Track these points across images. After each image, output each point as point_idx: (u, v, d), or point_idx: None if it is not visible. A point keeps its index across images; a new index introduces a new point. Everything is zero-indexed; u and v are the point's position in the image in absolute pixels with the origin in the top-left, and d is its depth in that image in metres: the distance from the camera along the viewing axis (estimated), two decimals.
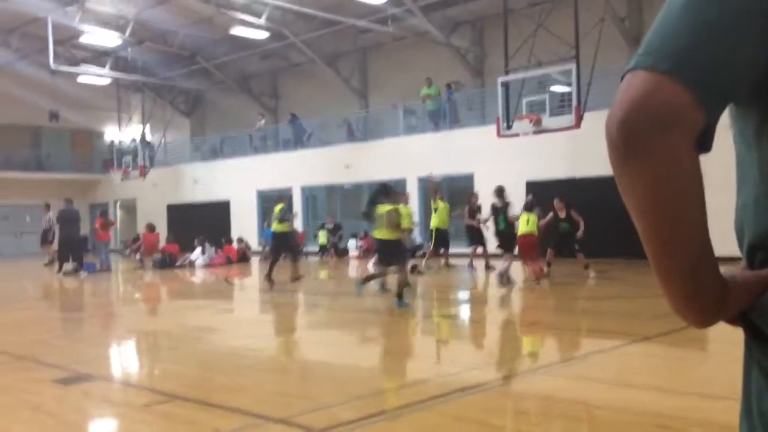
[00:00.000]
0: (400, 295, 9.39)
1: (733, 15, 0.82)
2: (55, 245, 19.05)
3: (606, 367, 5.72)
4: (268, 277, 12.98)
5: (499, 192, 12.32)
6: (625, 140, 0.81)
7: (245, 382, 5.46)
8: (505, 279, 11.78)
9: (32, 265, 21.94)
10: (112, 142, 29.53)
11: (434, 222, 15.34)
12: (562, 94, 16.96)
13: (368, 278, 11.02)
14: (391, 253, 9.70)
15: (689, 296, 0.89)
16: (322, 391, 5.14)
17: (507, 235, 12.11)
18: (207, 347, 7.31)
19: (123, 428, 4.39)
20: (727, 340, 1.49)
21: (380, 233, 9.70)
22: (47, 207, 21.94)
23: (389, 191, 9.94)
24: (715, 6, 0.82)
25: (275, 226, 13.46)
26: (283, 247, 13.52)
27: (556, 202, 12.84)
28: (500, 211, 12.18)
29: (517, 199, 15.93)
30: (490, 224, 12.96)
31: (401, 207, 9.75)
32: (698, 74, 0.80)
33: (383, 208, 9.55)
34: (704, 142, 0.84)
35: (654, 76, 0.80)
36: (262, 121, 28.03)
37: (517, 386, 5.18)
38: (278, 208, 13.39)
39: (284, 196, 16.22)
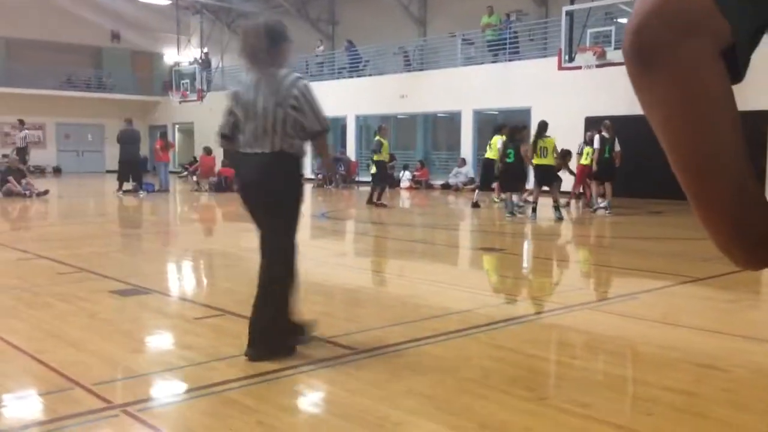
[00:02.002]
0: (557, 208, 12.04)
1: None
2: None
3: (652, 306, 5.67)
4: (371, 201, 14.82)
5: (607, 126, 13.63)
6: (640, 50, 0.72)
7: None
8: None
9: (93, 183, 22.60)
10: (175, 64, 29.72)
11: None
12: None
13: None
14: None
15: (732, 231, 0.79)
16: (367, 315, 5.25)
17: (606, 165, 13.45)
18: (258, 268, 7.48)
19: (174, 338, 4.57)
20: None
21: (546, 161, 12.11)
22: (21, 123, 20.69)
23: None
24: None
25: (376, 157, 14.93)
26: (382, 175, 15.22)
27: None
28: (606, 141, 13.40)
29: (577, 134, 15.55)
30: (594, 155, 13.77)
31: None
32: None
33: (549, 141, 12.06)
34: (732, 66, 0.73)
35: None
36: (321, 47, 27.81)
37: (559, 320, 5.19)
38: (377, 139, 15.04)
39: (383, 126, 16.38)
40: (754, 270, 0.84)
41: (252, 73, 4.00)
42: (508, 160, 12.35)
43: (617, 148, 13.44)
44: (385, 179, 15.68)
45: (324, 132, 4.13)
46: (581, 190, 15.03)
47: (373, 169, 15.31)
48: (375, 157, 15.10)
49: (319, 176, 23.11)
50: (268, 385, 3.50)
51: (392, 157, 23.26)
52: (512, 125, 13.08)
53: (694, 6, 0.71)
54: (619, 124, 16.11)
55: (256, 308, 4.01)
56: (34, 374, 3.70)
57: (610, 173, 13.53)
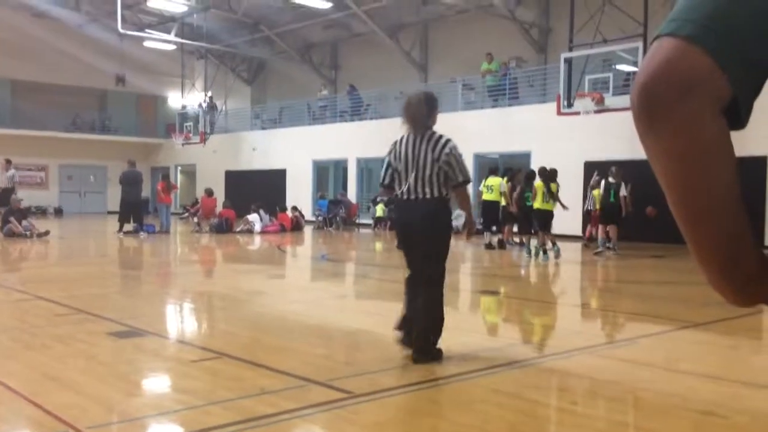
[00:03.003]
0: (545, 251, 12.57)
1: None
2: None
3: (653, 351, 5.64)
4: None
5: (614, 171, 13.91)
6: (645, 107, 0.78)
7: (291, 345, 5.58)
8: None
9: (94, 224, 22.64)
10: (183, 107, 30.02)
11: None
12: (627, 73, 16.53)
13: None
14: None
15: (723, 272, 0.85)
16: (365, 358, 5.22)
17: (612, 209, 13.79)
18: (257, 310, 7.48)
19: (171, 381, 4.54)
20: None
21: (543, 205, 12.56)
22: (8, 163, 18.93)
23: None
24: None
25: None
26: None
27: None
28: (612, 186, 13.68)
29: (574, 178, 15.64)
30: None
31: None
32: (720, 38, 0.76)
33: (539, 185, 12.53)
34: (734, 117, 0.78)
35: (676, 42, 0.76)
36: (324, 92, 28.14)
37: (560, 364, 5.16)
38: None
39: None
40: (744, 306, 0.89)
41: (412, 134, 4.97)
42: (528, 203, 13.02)
43: (623, 193, 13.69)
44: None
45: (465, 183, 5.03)
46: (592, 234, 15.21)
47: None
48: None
49: (320, 218, 23.19)
50: (264, 430, 3.47)
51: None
52: (528, 170, 13.61)
53: (695, 66, 0.75)
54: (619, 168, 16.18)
55: (417, 320, 4.86)
56: (29, 417, 3.67)
57: (614, 217, 13.77)
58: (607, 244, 13.78)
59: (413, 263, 5.00)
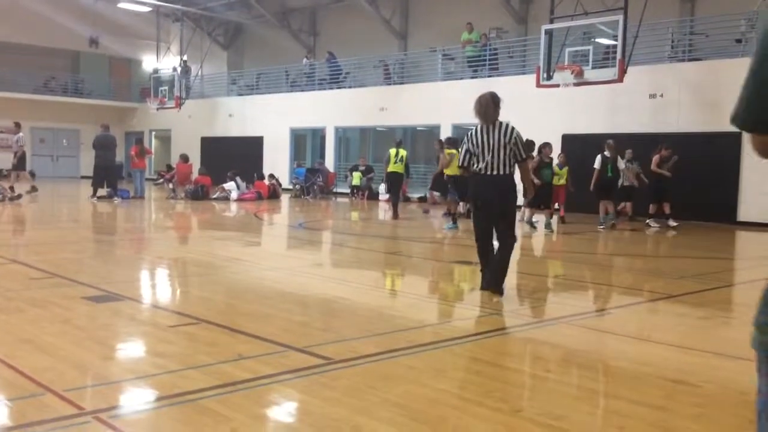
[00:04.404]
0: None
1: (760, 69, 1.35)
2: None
3: (626, 322, 5.74)
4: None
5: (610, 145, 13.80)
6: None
7: (269, 311, 5.59)
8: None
9: (68, 188, 22.31)
10: (154, 71, 29.52)
11: None
12: (607, 47, 16.57)
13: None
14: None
15: None
16: (343, 325, 5.24)
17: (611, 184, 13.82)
18: (234, 277, 7.46)
19: (148, 346, 4.53)
20: (752, 304, 1.50)
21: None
22: (17, 126, 19.03)
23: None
24: (756, 66, 1.37)
25: (393, 168, 15.24)
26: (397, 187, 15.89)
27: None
28: (608, 161, 13.66)
29: (554, 152, 15.74)
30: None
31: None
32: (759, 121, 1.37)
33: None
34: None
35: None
36: (306, 61, 27.77)
37: (535, 334, 5.23)
38: (395, 151, 15.33)
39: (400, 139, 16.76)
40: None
41: (483, 125, 6.35)
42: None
43: (621, 166, 13.73)
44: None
45: (527, 159, 6.77)
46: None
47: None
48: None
49: (297, 187, 23.10)
50: (242, 394, 3.48)
51: (369, 170, 23.33)
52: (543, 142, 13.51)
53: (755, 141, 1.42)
54: (598, 141, 16.28)
55: (498, 264, 6.37)
56: (5, 379, 3.64)
57: (611, 192, 13.80)
58: (604, 220, 13.77)
59: (488, 222, 6.45)
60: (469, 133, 6.47)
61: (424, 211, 17.40)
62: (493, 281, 6.33)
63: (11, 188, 17.50)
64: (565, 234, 13.32)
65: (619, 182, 14.49)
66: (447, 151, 13.60)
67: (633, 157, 14.86)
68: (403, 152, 15.61)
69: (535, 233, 12.72)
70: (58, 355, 4.06)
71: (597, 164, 13.66)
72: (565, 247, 11.89)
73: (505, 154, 6.25)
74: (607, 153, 13.63)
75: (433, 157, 23.07)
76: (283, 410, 3.46)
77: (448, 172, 13.67)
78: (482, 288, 6.46)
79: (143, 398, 3.49)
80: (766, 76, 1.34)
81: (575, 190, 14.61)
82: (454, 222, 13.14)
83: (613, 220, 14.01)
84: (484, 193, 6.39)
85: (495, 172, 6.27)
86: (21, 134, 18.67)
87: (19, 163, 18.38)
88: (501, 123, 6.36)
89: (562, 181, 14.38)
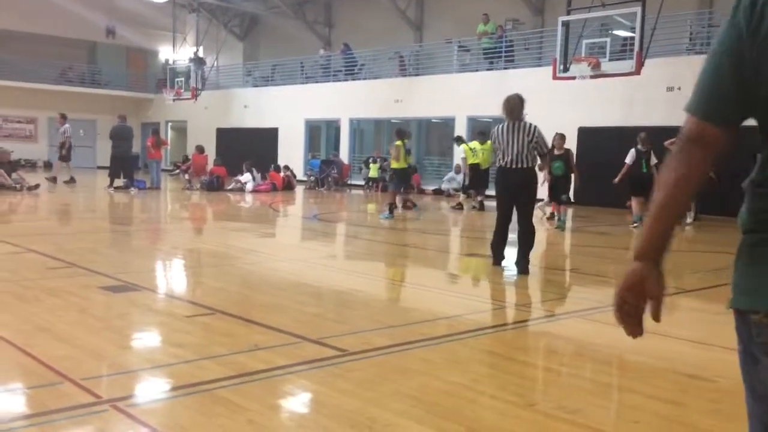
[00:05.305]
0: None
1: (714, 62, 1.42)
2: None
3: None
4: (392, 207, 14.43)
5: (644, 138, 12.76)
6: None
7: (283, 303, 5.61)
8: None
9: (84, 179, 22.46)
10: (166, 61, 29.64)
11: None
12: (624, 39, 16.42)
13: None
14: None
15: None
16: (357, 317, 5.26)
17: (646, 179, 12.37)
18: (249, 268, 7.50)
19: (164, 335, 4.57)
20: None
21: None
22: (62, 118, 19.86)
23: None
24: (708, 58, 1.43)
25: (397, 164, 14.51)
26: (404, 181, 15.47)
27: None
28: (642, 155, 12.59)
29: (570, 144, 15.63)
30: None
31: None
32: (708, 109, 1.43)
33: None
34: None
35: (689, 116, 1.48)
36: (322, 51, 27.73)
37: (550, 328, 5.22)
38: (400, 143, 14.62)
39: (407, 132, 16.52)
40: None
41: (509, 121, 7.23)
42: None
43: (654, 161, 12.50)
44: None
45: (547, 154, 7.98)
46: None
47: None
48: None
49: (312, 178, 23.13)
50: (258, 385, 3.51)
51: (384, 160, 23.32)
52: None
53: (698, 128, 1.46)
54: (614, 135, 16.17)
55: (523, 245, 7.31)
56: (24, 367, 3.69)
57: (646, 188, 12.12)
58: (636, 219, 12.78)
59: (509, 208, 7.36)
60: (495, 131, 7.31)
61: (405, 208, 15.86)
62: (520, 263, 7.26)
63: (54, 178, 18.19)
64: (581, 229, 13.25)
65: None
66: (396, 143, 13.74)
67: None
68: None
69: (547, 227, 12.64)
70: (75, 344, 4.10)
71: (629, 159, 12.64)
72: (579, 241, 11.84)
73: (528, 150, 7.08)
74: (641, 147, 12.59)
75: (446, 150, 23.09)
76: (298, 401, 3.48)
77: (393, 164, 13.78)
78: (494, 263, 7.51)
79: (159, 388, 3.53)
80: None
81: (582, 183, 14.27)
82: (390, 212, 13.16)
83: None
84: (510, 184, 7.25)
85: (519, 166, 7.11)
86: (67, 125, 19.35)
87: (67, 154, 19.02)
88: (525, 122, 7.21)
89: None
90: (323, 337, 4.40)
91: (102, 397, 3.24)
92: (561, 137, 12.68)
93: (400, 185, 14.18)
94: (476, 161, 15.56)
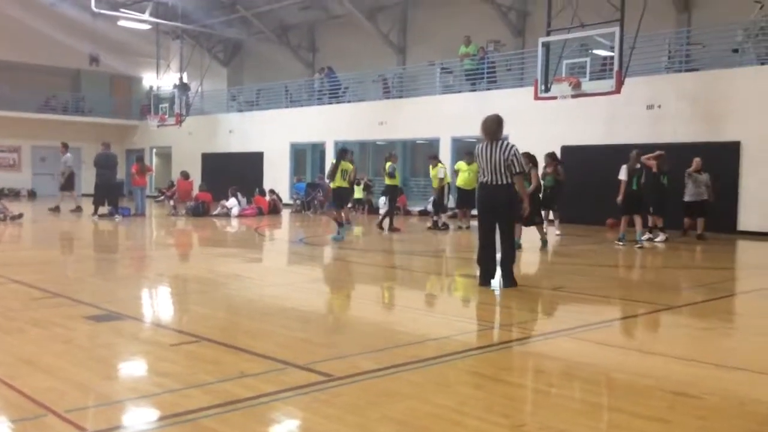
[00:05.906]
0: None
1: None
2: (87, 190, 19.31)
3: (627, 334, 5.74)
4: (381, 225, 15.53)
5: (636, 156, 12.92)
6: None
7: (270, 328, 5.59)
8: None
9: (68, 206, 22.31)
10: (150, 88, 29.67)
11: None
12: (604, 58, 16.63)
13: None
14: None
15: None
16: (344, 341, 5.24)
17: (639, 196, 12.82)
18: (235, 293, 7.47)
19: (149, 364, 4.53)
20: (753, 314, 1.50)
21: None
22: (64, 147, 20.49)
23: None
24: None
25: (389, 181, 15.65)
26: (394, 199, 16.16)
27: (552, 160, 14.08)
28: (635, 173, 12.75)
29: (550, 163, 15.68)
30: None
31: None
32: None
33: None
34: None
35: None
36: (318, 75, 27.63)
37: (536, 347, 5.22)
38: (389, 164, 15.60)
39: (393, 153, 16.72)
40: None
41: (486, 141, 7.53)
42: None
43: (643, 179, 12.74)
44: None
45: (521, 173, 7.68)
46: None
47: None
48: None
49: (298, 202, 23.12)
50: (244, 413, 3.48)
51: (368, 185, 23.34)
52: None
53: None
54: (595, 153, 16.29)
55: (504, 260, 7.60)
56: (7, 400, 3.65)
57: (638, 206, 12.77)
58: (645, 237, 13.13)
59: (490, 223, 7.57)
60: (476, 150, 7.64)
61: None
62: (505, 277, 7.56)
63: (56, 208, 18.23)
64: (565, 246, 13.31)
65: (687, 197, 14.19)
66: (332, 161, 14.04)
67: (700, 167, 14.20)
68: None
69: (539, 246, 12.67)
70: (59, 376, 4.06)
71: (623, 175, 12.61)
72: (563, 259, 11.89)
73: (505, 167, 7.36)
74: (632, 164, 12.65)
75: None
76: (284, 428, 3.46)
77: (332, 183, 13.85)
78: (480, 284, 7.61)
79: (144, 418, 3.49)
80: None
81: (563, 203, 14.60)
82: (339, 233, 13.22)
83: (650, 235, 13.50)
84: (489, 200, 7.51)
85: (496, 182, 7.40)
86: (69, 155, 19.48)
87: (67, 183, 19.11)
88: (503, 141, 7.50)
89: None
90: (310, 362, 4.38)
91: (86, 429, 3.20)
92: (549, 156, 13.65)
93: (338, 204, 13.90)
94: (458, 182, 15.89)
